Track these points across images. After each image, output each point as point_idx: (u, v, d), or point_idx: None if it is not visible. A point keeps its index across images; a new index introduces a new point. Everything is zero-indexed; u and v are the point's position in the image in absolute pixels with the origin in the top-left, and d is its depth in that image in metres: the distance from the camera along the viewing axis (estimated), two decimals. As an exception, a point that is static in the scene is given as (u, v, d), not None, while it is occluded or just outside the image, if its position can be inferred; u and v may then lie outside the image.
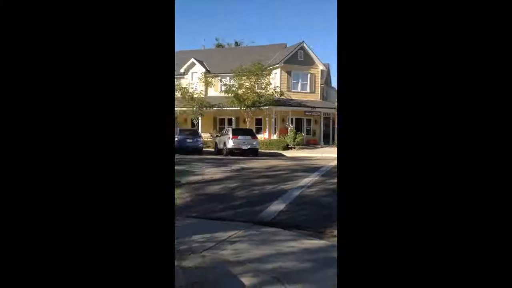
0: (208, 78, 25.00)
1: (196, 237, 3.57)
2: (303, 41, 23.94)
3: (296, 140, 20.31)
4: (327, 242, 3.72)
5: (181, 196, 6.03)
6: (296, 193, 6.50)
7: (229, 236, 3.64)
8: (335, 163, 12.88)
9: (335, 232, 4.13)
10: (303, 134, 22.25)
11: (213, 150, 18.80)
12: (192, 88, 23.20)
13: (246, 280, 2.53)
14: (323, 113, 23.65)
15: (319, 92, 24.59)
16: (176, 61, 18.62)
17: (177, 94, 21.16)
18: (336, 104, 29.70)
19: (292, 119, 22.52)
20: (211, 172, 9.35)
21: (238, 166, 11.17)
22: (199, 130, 21.49)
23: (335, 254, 3.50)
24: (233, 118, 23.94)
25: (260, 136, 21.08)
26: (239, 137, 16.50)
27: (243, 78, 20.98)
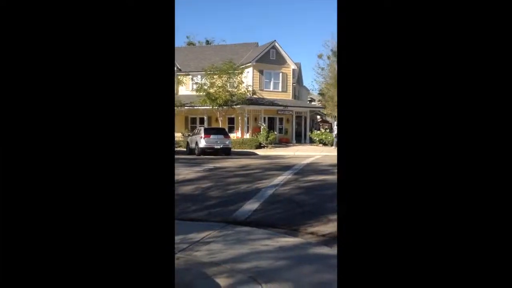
0: (179, 77, 24.59)
1: (169, 239, 3.48)
2: (275, 40, 24.10)
3: (269, 138, 20.42)
4: (302, 239, 3.74)
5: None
6: (270, 191, 6.52)
7: (203, 237, 3.59)
8: (307, 161, 13.08)
9: (309, 229, 4.18)
10: (275, 132, 22.40)
11: (185, 150, 18.51)
12: (163, 87, 22.64)
13: (221, 281, 2.50)
14: (295, 112, 23.92)
15: (291, 91, 24.84)
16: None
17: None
18: (308, 103, 30.15)
19: (264, 118, 22.61)
20: (184, 172, 9.20)
21: (211, 165, 11.06)
22: (171, 130, 21.02)
23: (309, 251, 3.52)
24: (205, 117, 23.70)
25: (232, 135, 21.01)
26: (212, 136, 16.33)
27: (214, 76, 20.81)
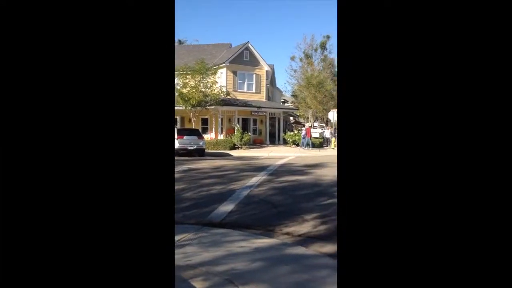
0: (151, 77, 24.01)
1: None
2: (248, 42, 24.14)
3: (243, 139, 20.40)
4: (277, 240, 3.76)
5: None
6: (245, 192, 6.51)
7: (178, 240, 3.52)
8: (281, 162, 13.18)
9: (285, 230, 4.20)
10: (250, 133, 22.43)
11: (158, 151, 18.11)
12: (135, 87, 22.11)
13: (197, 284, 2.46)
14: (269, 113, 24.06)
15: (265, 93, 24.97)
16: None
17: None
18: (281, 104, 30.40)
19: (238, 119, 22.58)
20: (157, 174, 9.00)
21: (184, 167, 10.90)
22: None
23: (285, 251, 3.54)
24: (178, 117, 23.33)
25: (206, 136, 20.81)
26: (185, 137, 16.10)
27: (187, 76, 20.55)
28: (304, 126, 27.50)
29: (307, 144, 19.88)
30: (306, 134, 20.34)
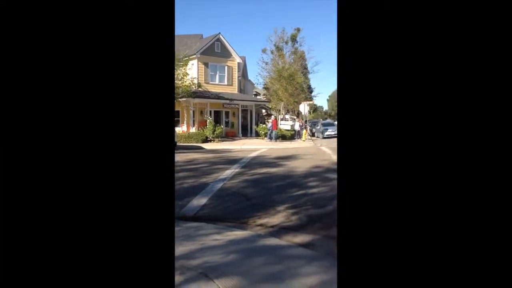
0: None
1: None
2: (220, 33, 23.83)
3: (215, 132, 20.26)
4: (251, 232, 3.80)
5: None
6: (218, 185, 6.50)
7: (151, 235, 3.48)
8: (254, 154, 13.23)
9: (258, 222, 4.25)
10: (222, 126, 22.29)
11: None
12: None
13: (172, 279, 2.45)
14: (241, 105, 24.00)
15: (237, 85, 24.85)
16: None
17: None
18: (253, 96, 30.39)
19: (210, 111, 22.37)
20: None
21: (155, 161, 10.69)
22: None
23: (259, 243, 3.58)
24: (148, 110, 22.76)
25: (178, 129, 20.49)
26: (156, 130, 15.76)
27: (158, 68, 20.01)
28: (270, 118, 27.66)
29: (273, 136, 19.97)
30: (272, 126, 20.40)
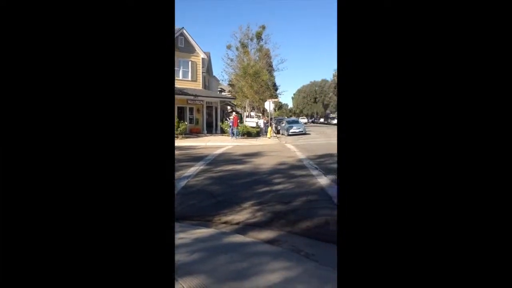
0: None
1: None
2: (183, 28, 23.37)
3: (179, 129, 19.89)
4: (216, 229, 3.77)
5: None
6: (182, 183, 6.39)
7: (111, 236, 3.34)
8: (219, 151, 13.14)
9: (223, 219, 4.23)
10: (186, 123, 21.94)
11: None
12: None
13: (134, 281, 2.37)
14: (206, 102, 23.73)
15: (201, 81, 24.52)
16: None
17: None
18: (218, 93, 30.16)
19: (174, 107, 21.94)
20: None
21: (116, 158, 10.31)
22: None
23: (224, 241, 3.55)
24: (108, 106, 21.89)
25: (140, 126, 19.85)
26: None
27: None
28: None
29: (235, 133, 19.90)
30: (233, 123, 20.29)
